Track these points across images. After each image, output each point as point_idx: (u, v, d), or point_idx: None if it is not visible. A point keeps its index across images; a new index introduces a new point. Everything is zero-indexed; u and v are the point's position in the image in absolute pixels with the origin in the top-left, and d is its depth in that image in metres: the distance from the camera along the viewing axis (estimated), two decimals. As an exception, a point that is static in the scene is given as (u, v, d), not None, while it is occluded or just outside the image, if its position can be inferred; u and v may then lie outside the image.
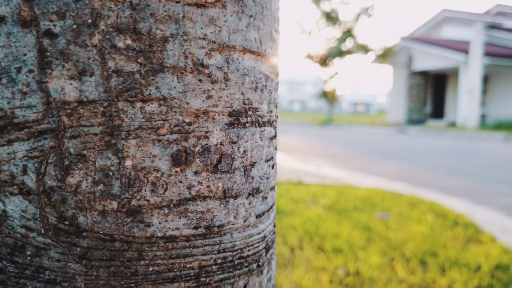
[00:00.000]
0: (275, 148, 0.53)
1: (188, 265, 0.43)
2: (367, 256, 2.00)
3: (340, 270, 1.85)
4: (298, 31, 20.59)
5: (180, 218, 0.42)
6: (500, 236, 2.47)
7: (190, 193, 0.42)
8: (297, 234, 2.41)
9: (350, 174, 5.23)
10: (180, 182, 0.42)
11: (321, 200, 3.33)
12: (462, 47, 15.13)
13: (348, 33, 19.62)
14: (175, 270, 0.42)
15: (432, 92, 20.38)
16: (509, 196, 3.97)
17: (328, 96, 21.16)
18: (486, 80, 17.39)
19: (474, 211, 3.23)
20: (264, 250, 0.51)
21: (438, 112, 20.16)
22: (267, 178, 0.51)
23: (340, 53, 19.19)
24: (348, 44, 19.52)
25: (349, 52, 19.22)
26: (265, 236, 0.50)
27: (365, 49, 19.05)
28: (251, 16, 0.45)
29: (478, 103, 14.27)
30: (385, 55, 19.03)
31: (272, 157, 0.52)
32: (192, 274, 0.43)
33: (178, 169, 0.42)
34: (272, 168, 0.52)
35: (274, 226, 0.55)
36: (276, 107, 0.54)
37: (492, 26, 18.06)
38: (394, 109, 20.61)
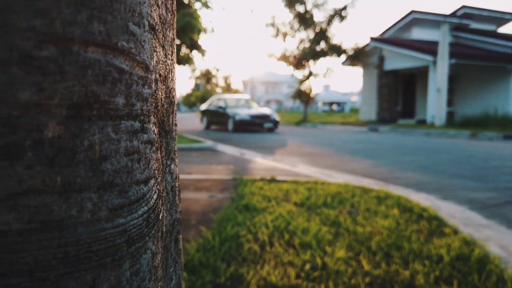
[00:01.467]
0: (146, 142, 0.52)
1: (21, 260, 0.41)
2: (334, 250, 2.03)
3: (308, 265, 1.86)
4: (271, 33, 20.72)
5: (10, 212, 0.40)
6: (463, 229, 2.56)
7: (21, 187, 0.41)
8: (268, 230, 2.42)
9: (322, 172, 5.30)
10: (9, 176, 0.40)
11: (293, 197, 3.35)
12: (430, 48, 15.63)
13: (321, 35, 19.91)
14: (6, 265, 0.40)
15: (402, 92, 20.97)
16: (473, 190, 4.13)
17: (303, 96, 21.39)
18: (453, 79, 18.07)
19: (439, 205, 3.34)
20: (124, 244, 0.49)
21: (409, 111, 20.77)
22: (128, 172, 0.49)
23: (314, 55, 19.44)
24: (322, 45, 19.81)
25: (322, 53, 19.50)
26: (126, 230, 0.49)
27: (338, 50, 19.38)
28: (94, 8, 0.44)
29: (446, 101, 14.79)
30: (357, 56, 19.44)
31: (138, 151, 0.51)
32: (26, 269, 0.42)
33: (6, 163, 0.40)
34: (138, 162, 0.51)
35: (148, 219, 0.54)
36: (147, 102, 0.53)
37: (458, 28, 18.77)
38: (367, 108, 21.06)
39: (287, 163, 6.12)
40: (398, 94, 20.49)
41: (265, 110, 15.22)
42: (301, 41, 20.66)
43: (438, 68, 14.60)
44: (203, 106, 17.43)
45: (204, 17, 13.41)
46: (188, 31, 9.05)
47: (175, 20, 0.64)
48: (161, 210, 0.58)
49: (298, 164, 6.10)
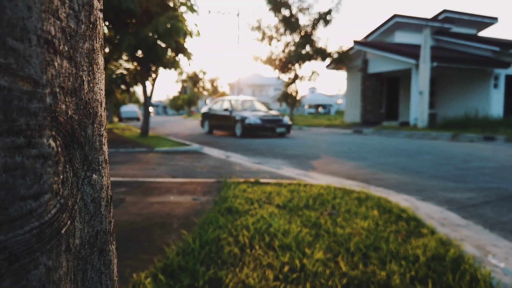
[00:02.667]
0: (36, 157, 0.53)
1: None
2: (314, 252, 2.05)
3: (287, 267, 1.87)
4: (257, 37, 20.79)
5: None
6: (440, 229, 2.62)
7: None
8: (249, 233, 2.42)
9: (306, 174, 5.34)
10: None
11: (276, 199, 3.36)
12: (412, 52, 15.93)
13: (306, 39, 20.07)
14: None
15: (386, 94, 21.30)
16: (452, 191, 4.22)
17: (290, 99, 21.51)
18: (435, 82, 18.44)
19: (418, 205, 3.40)
20: (4, 261, 0.50)
21: (392, 113, 21.09)
22: (8, 188, 0.50)
23: (300, 58, 19.58)
24: (307, 49, 19.97)
25: (308, 56, 19.65)
26: (6, 247, 0.50)
27: (323, 53, 19.56)
28: None
29: (428, 103, 15.08)
30: (341, 59, 19.67)
31: (23, 167, 0.51)
32: None
33: None
34: (23, 178, 0.51)
35: (40, 235, 0.55)
36: (36, 116, 0.53)
37: (440, 32, 19.18)
38: (351, 110, 21.31)
39: (272, 165, 6.14)
40: (382, 97, 20.80)
41: (276, 114, 13.99)
42: (287, 44, 20.80)
43: (420, 71, 14.88)
44: (204, 109, 15.98)
45: (190, 20, 13.30)
46: (173, 34, 9.01)
47: (98, 31, 0.64)
48: (65, 223, 0.57)
49: (283, 166, 6.12)
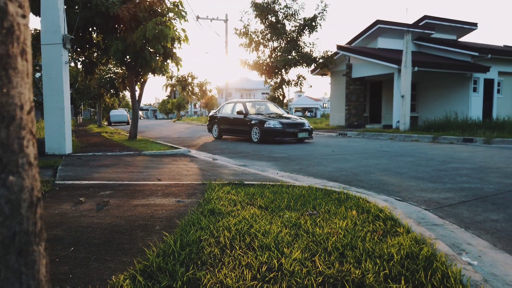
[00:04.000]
0: None
1: None
2: (292, 252, 2.09)
3: (265, 266, 1.91)
4: (244, 42, 20.85)
5: None
6: (416, 228, 2.69)
7: None
8: (230, 234, 2.45)
9: (290, 175, 5.40)
10: None
11: (258, 201, 3.40)
12: (395, 57, 16.25)
13: (293, 44, 20.25)
14: None
15: (370, 98, 21.65)
16: (430, 191, 4.33)
17: (277, 103, 21.61)
18: (416, 86, 18.84)
19: (397, 206, 3.49)
20: None
21: (376, 116, 21.43)
22: None
23: (286, 63, 19.72)
24: (293, 54, 20.14)
25: (294, 62, 19.80)
26: None
27: (309, 59, 19.76)
28: None
29: (410, 107, 15.39)
30: (326, 64, 19.91)
31: None
32: None
33: None
34: None
35: None
36: None
37: (421, 37, 19.61)
38: (336, 114, 21.56)
39: (257, 167, 6.18)
40: (365, 101, 21.12)
41: (295, 117, 12.76)
42: (273, 50, 20.94)
43: (402, 76, 15.18)
44: (213, 112, 14.58)
45: (178, 26, 13.17)
46: (161, 39, 9.00)
47: (16, 36, 0.65)
48: None
49: (268, 169, 6.17)
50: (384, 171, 5.86)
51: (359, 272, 1.82)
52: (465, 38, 22.68)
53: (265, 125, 11.42)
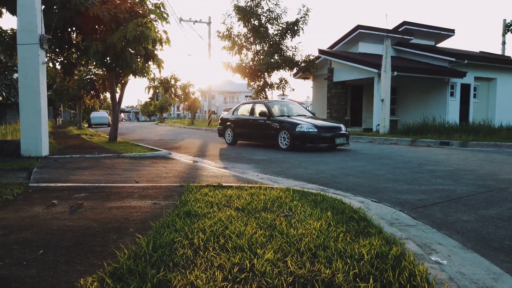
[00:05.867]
0: None
1: None
2: (265, 252, 2.10)
3: (236, 267, 1.91)
4: (227, 45, 20.84)
5: None
6: (387, 229, 2.74)
7: None
8: (204, 236, 2.44)
9: (270, 178, 5.41)
10: None
11: (235, 202, 3.40)
12: (375, 61, 16.54)
13: (275, 48, 20.36)
14: None
15: (351, 102, 21.95)
16: (406, 193, 4.42)
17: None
18: (396, 90, 19.22)
19: (372, 207, 3.55)
20: None
21: (356, 119, 21.73)
22: None
23: (269, 67, 19.80)
24: (276, 57, 20.25)
25: (277, 65, 19.90)
26: None
27: (291, 62, 19.89)
28: None
29: (389, 111, 15.68)
30: (308, 68, 20.09)
31: None
32: None
33: None
34: None
35: None
36: None
37: (400, 43, 20.04)
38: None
39: (237, 169, 6.17)
40: (347, 104, 21.40)
41: (327, 119, 11.45)
42: (256, 53, 21.01)
43: (382, 80, 15.47)
44: (226, 115, 12.87)
45: (160, 27, 13.01)
46: (142, 41, 8.90)
47: None
48: None
49: (248, 171, 6.17)
50: (362, 173, 5.94)
51: (329, 272, 1.85)
52: (443, 44, 23.27)
53: (296, 129, 9.62)
